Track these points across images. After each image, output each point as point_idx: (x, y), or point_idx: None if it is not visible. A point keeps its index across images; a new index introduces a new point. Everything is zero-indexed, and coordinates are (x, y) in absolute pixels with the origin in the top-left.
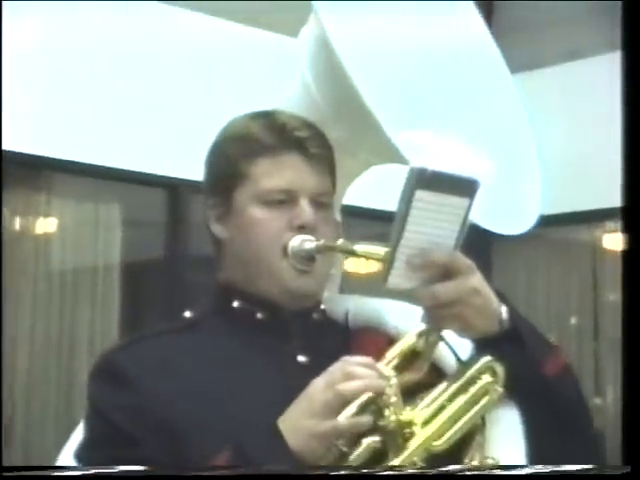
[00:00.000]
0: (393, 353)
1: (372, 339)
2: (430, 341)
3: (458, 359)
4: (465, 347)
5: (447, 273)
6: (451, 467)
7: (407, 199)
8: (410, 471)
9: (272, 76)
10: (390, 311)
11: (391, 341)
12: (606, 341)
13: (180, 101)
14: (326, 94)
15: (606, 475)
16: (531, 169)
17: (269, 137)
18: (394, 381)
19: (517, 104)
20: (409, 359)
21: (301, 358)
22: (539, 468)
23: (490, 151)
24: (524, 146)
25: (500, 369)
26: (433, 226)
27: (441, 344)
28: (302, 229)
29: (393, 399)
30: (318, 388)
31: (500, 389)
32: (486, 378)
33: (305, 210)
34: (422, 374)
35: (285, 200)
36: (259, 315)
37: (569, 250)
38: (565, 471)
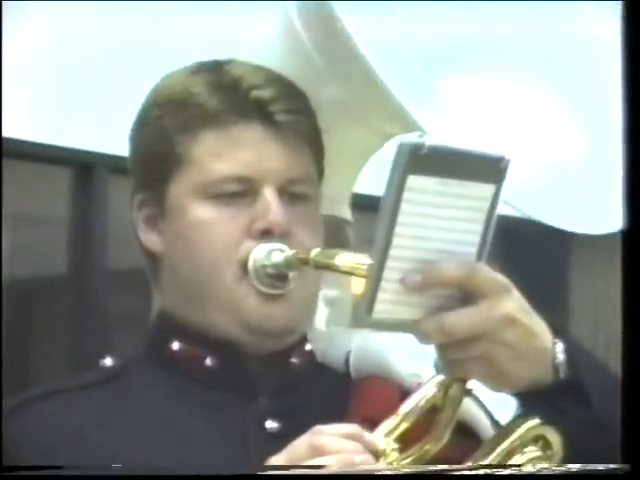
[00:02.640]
0: (402, 414)
1: (381, 394)
2: (450, 396)
3: (494, 422)
4: (508, 403)
5: (466, 296)
6: (451, 467)
7: (395, 190)
8: (411, 471)
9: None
10: (410, 351)
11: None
12: None
13: (102, 41)
14: (318, 38)
15: (606, 474)
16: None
17: (216, 100)
18: (394, 457)
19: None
20: (427, 423)
21: (271, 424)
22: (539, 468)
23: (573, 116)
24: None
25: (554, 438)
26: (441, 227)
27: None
28: (268, 234)
29: None
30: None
31: (554, 467)
32: (532, 450)
33: (271, 205)
34: (442, 445)
35: (242, 192)
36: (209, 361)
37: None
38: (565, 470)
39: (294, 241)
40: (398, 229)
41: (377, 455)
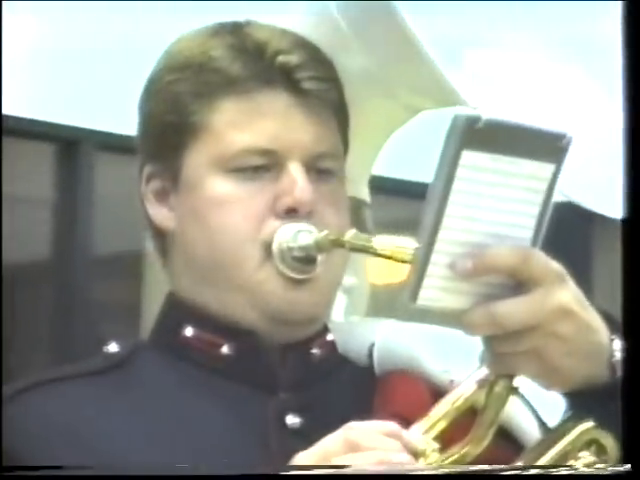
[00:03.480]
0: (439, 413)
1: (409, 390)
2: (495, 394)
3: (541, 424)
4: (555, 403)
5: (519, 284)
6: (452, 467)
7: (448, 165)
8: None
9: None
10: (440, 346)
11: (440, 394)
12: None
13: (91, 16)
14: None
15: (606, 474)
16: None
17: (239, 64)
18: (434, 458)
19: None
20: (465, 423)
21: (292, 420)
22: (538, 468)
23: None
24: None
25: (610, 442)
26: (495, 208)
27: (514, 399)
28: (293, 213)
29: None
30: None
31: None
32: (586, 456)
33: (297, 181)
34: (483, 447)
35: (265, 166)
36: (225, 349)
37: None
38: (565, 471)
39: (319, 221)
40: (449, 209)
41: (416, 455)
